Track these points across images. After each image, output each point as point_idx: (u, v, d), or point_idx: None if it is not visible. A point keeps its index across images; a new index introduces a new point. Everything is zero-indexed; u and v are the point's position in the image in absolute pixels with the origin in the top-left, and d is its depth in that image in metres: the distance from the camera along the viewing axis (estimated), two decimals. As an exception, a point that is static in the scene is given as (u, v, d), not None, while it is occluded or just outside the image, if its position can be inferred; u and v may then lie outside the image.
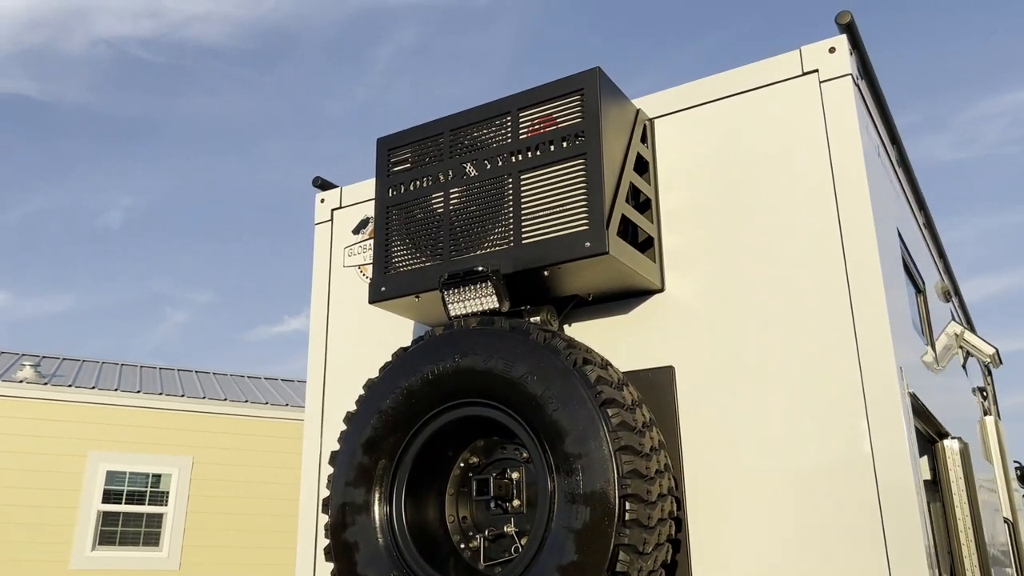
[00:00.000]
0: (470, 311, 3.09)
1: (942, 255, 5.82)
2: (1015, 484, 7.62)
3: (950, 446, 3.98)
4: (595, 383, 2.69)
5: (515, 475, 3.04)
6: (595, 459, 2.58)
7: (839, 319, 2.91)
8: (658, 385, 3.15)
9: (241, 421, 11.58)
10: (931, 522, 4.24)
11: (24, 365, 10.84)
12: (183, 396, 11.53)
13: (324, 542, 3.12)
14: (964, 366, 6.10)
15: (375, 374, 3.58)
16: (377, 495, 2.99)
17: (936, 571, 2.61)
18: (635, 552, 2.51)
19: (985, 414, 7.25)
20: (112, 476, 10.60)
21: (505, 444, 3.11)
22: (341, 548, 2.98)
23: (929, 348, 4.29)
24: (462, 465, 3.16)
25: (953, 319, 5.85)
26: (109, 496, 10.53)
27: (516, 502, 3.01)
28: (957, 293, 6.76)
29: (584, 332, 3.37)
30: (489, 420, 2.94)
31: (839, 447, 2.79)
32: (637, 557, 2.52)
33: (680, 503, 2.97)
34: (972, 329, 7.53)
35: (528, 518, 2.94)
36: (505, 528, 3.00)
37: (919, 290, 4.40)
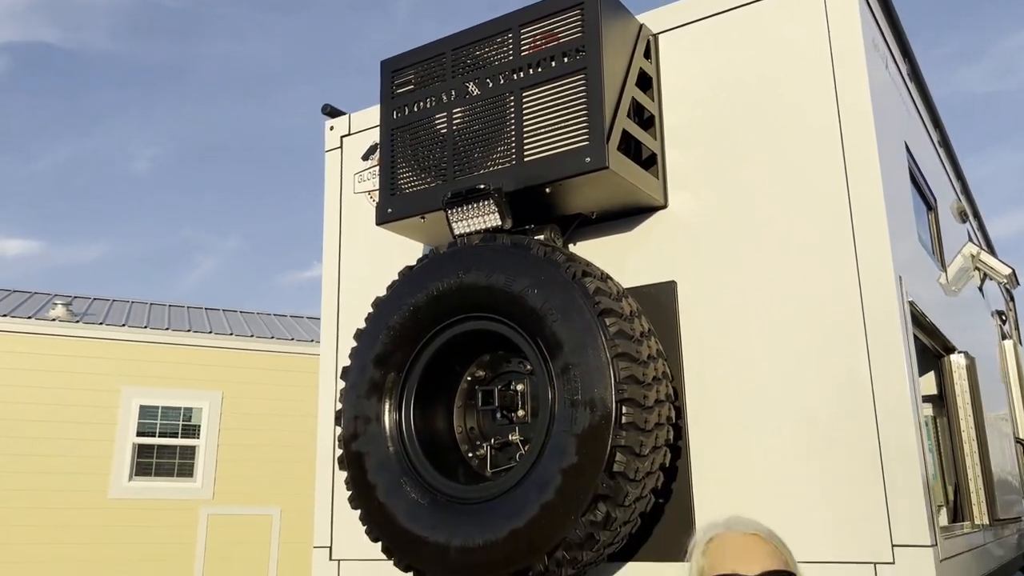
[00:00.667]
0: (474, 229, 3.14)
1: (959, 176, 5.75)
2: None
3: (956, 360, 4.01)
4: (593, 294, 2.75)
5: (519, 387, 3.13)
6: (593, 366, 2.66)
7: (839, 229, 2.93)
8: (660, 299, 3.20)
9: (268, 357, 11.83)
10: (936, 434, 4.29)
11: (56, 304, 11.11)
12: (211, 333, 11.79)
13: (339, 452, 3.24)
14: (981, 288, 6.07)
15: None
16: (387, 406, 3.10)
17: (924, 460, 2.67)
18: (632, 454, 2.60)
19: (1004, 338, 7.22)
20: (145, 410, 10.93)
21: (510, 358, 3.19)
22: (353, 457, 3.11)
23: (938, 265, 4.29)
24: (469, 379, 3.25)
25: (970, 240, 5.80)
26: (143, 429, 10.88)
27: (520, 412, 3.10)
28: (976, 216, 6.69)
29: (588, 250, 3.42)
30: (494, 334, 3.01)
31: (837, 353, 2.84)
32: (634, 459, 2.61)
33: (680, 412, 3.05)
34: (992, 252, 7.47)
35: (532, 427, 3.04)
36: (510, 437, 3.10)
37: (930, 207, 4.38)
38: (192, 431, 11.30)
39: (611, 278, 2.99)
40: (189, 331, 11.72)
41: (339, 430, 3.21)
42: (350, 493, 3.12)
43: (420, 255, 3.89)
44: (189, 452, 11.28)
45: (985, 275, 5.97)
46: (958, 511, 4.10)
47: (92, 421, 10.47)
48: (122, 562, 10.11)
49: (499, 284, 2.91)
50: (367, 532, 3.05)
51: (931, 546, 2.59)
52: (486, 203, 3.08)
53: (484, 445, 3.16)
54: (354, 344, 3.24)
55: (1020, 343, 8.53)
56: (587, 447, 2.61)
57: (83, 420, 10.41)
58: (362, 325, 3.25)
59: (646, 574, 3.02)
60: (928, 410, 4.46)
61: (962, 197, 5.79)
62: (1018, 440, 6.24)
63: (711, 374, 3.07)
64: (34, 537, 9.77)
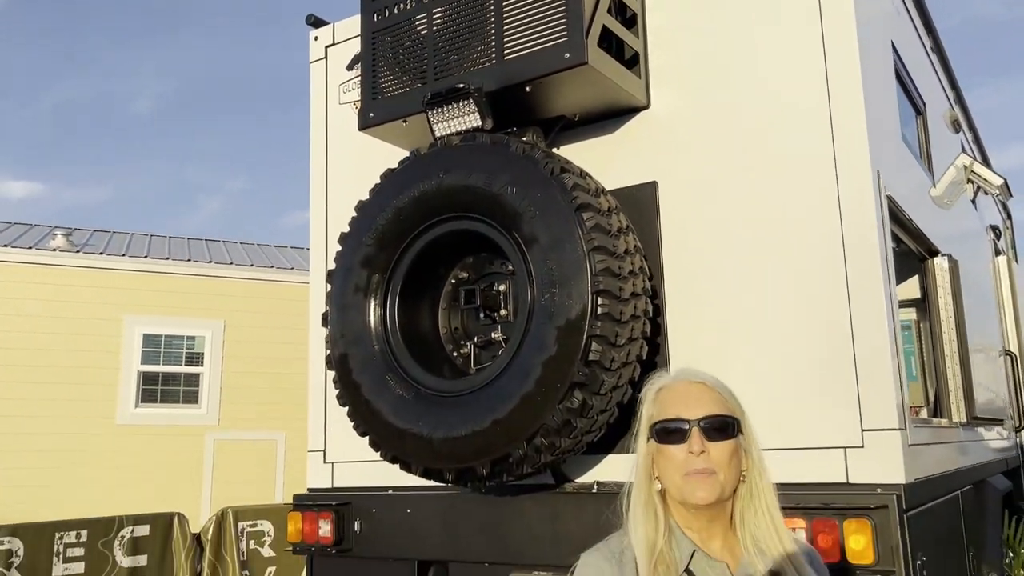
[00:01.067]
0: (454, 131, 3.15)
1: (954, 85, 5.70)
2: (1025, 321, 7.70)
3: (939, 263, 4.05)
4: (571, 189, 2.77)
5: (502, 287, 3.18)
6: (570, 260, 2.70)
7: (819, 125, 2.93)
8: (642, 200, 3.22)
9: (269, 286, 11.92)
10: (918, 337, 4.35)
11: (56, 235, 11.16)
12: (211, 262, 11.86)
13: (326, 353, 3.31)
14: (975, 201, 6.06)
15: (371, 202, 3.68)
16: (372, 307, 3.15)
17: (896, 348, 2.73)
18: (607, 344, 2.66)
19: (997, 254, 7.24)
20: (148, 339, 11.07)
21: (493, 259, 3.23)
22: (340, 356, 3.17)
23: (925, 169, 4.29)
24: (453, 281, 3.30)
25: (964, 151, 5.77)
26: (147, 358, 11.03)
27: (503, 311, 3.16)
28: (972, 128, 6.64)
29: (572, 153, 3.42)
30: (476, 235, 3.04)
31: (813, 245, 2.87)
32: (610, 348, 2.67)
33: (659, 308, 3.10)
34: (987, 164, 7.43)
35: (514, 326, 3.09)
36: (493, 335, 3.16)
37: (918, 111, 4.36)
38: (196, 359, 11.45)
39: (590, 175, 3.00)
40: (189, 260, 11.78)
41: (326, 331, 3.27)
42: (338, 391, 3.19)
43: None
44: (194, 379, 11.46)
45: (978, 187, 5.95)
46: (938, 412, 4.18)
47: (96, 350, 10.61)
48: (132, 486, 10.37)
49: (479, 184, 2.93)
50: (355, 427, 3.14)
51: (899, 430, 2.66)
52: (466, 103, 3.08)
53: (468, 344, 3.23)
54: (339, 248, 3.28)
55: (1016, 260, 8.56)
56: (564, 337, 2.66)
57: (87, 348, 10.55)
58: (346, 230, 3.28)
59: (626, 465, 3.10)
60: (912, 313, 4.51)
61: (956, 106, 5.74)
62: (1007, 352, 6.32)
63: (691, 271, 3.11)
64: (44, 462, 10.00)
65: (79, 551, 7.84)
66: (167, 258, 11.65)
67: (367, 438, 3.09)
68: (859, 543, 2.51)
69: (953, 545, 3.29)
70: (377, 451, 3.07)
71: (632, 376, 2.85)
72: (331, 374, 3.26)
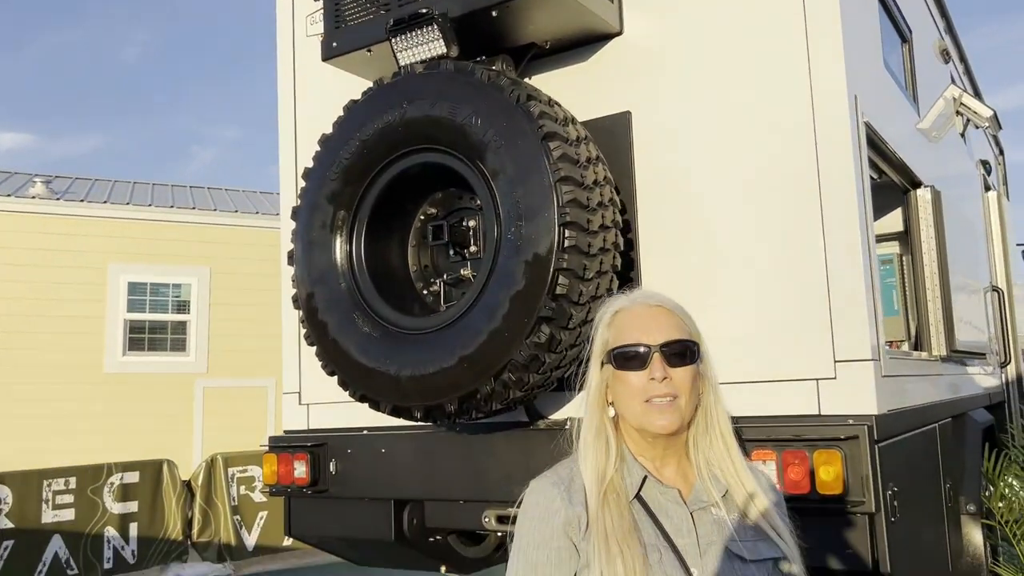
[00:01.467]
0: (419, 59, 3.03)
1: (944, 14, 5.55)
2: (1014, 256, 7.65)
3: (922, 195, 3.97)
4: (538, 118, 2.67)
5: (471, 223, 3.10)
6: (536, 191, 2.61)
7: (795, 50, 2.83)
8: (615, 131, 3.12)
9: (254, 232, 11.78)
10: (901, 271, 4.30)
11: (36, 182, 10.97)
12: (195, 208, 11.70)
13: (292, 292, 3.24)
14: (964, 135, 5.95)
15: (338, 137, 3.57)
16: (338, 244, 3.07)
17: (870, 278, 2.67)
18: (575, 277, 2.59)
19: (987, 189, 7.15)
20: (134, 287, 10.97)
21: (462, 194, 3.14)
22: (306, 296, 3.11)
23: (910, 99, 4.19)
24: (422, 217, 3.22)
25: (953, 83, 5.65)
26: (134, 306, 10.95)
27: (472, 248, 3.08)
28: (963, 60, 6.50)
29: (543, 83, 3.30)
30: (443, 168, 2.95)
31: (789, 174, 2.79)
32: (577, 282, 2.60)
33: (632, 242, 3.03)
34: (979, 97, 7.31)
35: (482, 261, 3.02)
36: (462, 272, 3.10)
37: (904, 39, 4.23)
38: (182, 307, 11.37)
39: (558, 104, 2.90)
40: (173, 207, 11.62)
41: (292, 270, 3.20)
42: (305, 331, 3.13)
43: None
44: (181, 327, 11.40)
45: (968, 120, 5.84)
46: (920, 346, 4.15)
47: (81, 298, 10.53)
48: (123, 434, 10.39)
49: (443, 114, 2.83)
50: (323, 367, 3.08)
51: (871, 360, 2.62)
52: (430, 29, 2.96)
53: (437, 281, 3.16)
54: (303, 184, 3.18)
55: (1007, 197, 8.48)
56: (531, 271, 2.59)
57: (72, 298, 10.46)
58: (311, 165, 3.18)
59: (599, 402, 3.07)
60: (895, 247, 4.44)
61: (946, 36, 5.60)
62: (994, 288, 6.27)
63: (665, 203, 3.03)
64: (33, 411, 10.00)
65: (68, 498, 7.87)
66: (150, 204, 11.49)
67: (335, 377, 3.04)
68: (829, 474, 2.48)
69: (929, 476, 3.28)
70: (345, 390, 3.02)
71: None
72: (299, 314, 3.19)
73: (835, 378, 2.65)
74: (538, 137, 2.64)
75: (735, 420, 2.74)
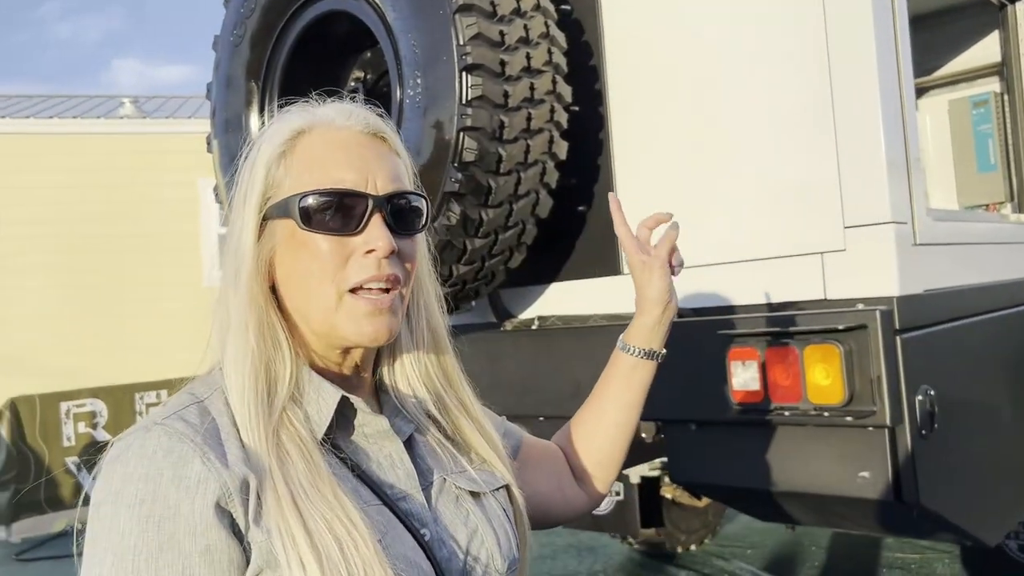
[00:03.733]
0: None
1: None
2: None
3: (1022, 9, 3.06)
4: (436, -66, 2.06)
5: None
6: (432, 26, 2.03)
7: None
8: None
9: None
10: (1001, 114, 3.42)
11: (124, 103, 11.09)
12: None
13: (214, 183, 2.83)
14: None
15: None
16: (253, 122, 2.61)
17: (901, 116, 1.96)
18: (487, 136, 2.01)
19: None
20: (227, 201, 11.04)
21: (396, 51, 2.58)
22: (225, 185, 2.69)
23: None
24: (352, 84, 2.69)
25: None
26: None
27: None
28: None
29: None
30: (352, 19, 2.39)
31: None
32: (492, 143, 2.03)
33: (601, 96, 2.40)
34: None
35: (416, 130, 2.48)
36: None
37: None
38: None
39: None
40: (259, 119, 11.51)
41: (211, 158, 2.78)
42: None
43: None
44: (277, 238, 11.43)
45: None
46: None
47: (175, 215, 10.68)
48: (224, 344, 10.60)
49: (339, -55, 2.26)
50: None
51: (894, 223, 1.93)
52: None
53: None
54: (214, 55, 2.72)
55: None
56: (432, 135, 2.04)
57: (167, 215, 10.62)
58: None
59: (573, 294, 2.53)
60: (992, 84, 3.52)
61: None
62: None
63: (641, 47, 2.37)
64: (143, 326, 10.35)
65: (162, 409, 8.08)
66: (237, 118, 11.41)
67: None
68: (823, 375, 1.86)
69: (1000, 380, 2.51)
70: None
71: (542, 180, 2.21)
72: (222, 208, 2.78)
73: (844, 249, 1.98)
74: (436, -40, 2.04)
75: (712, 311, 2.15)
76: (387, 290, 0.91)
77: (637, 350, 1.23)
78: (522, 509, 1.05)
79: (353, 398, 0.93)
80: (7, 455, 7.06)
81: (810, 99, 2.03)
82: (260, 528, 0.81)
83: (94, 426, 7.70)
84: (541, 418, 2.44)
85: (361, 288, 0.90)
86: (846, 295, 1.97)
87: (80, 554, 0.84)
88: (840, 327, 1.85)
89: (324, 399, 0.92)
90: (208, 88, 2.75)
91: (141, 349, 9.97)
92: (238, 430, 0.87)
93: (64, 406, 7.55)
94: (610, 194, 1.28)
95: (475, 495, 0.99)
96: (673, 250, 1.23)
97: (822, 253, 2.01)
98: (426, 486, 0.95)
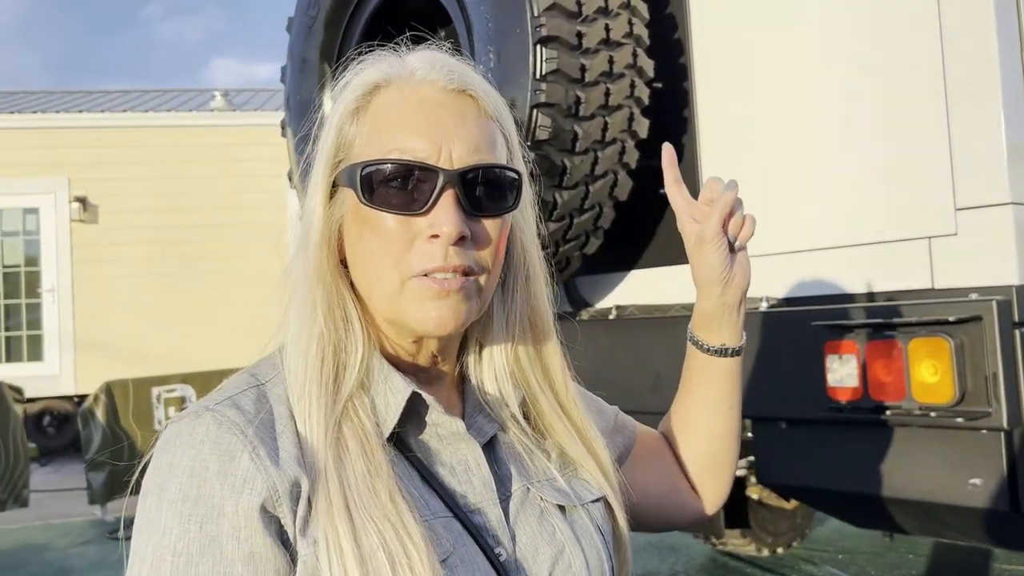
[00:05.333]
0: None
1: None
2: None
3: None
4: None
5: (477, 63, 2.45)
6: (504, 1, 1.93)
7: None
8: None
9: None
10: None
11: (215, 95, 11.39)
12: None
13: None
14: None
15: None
16: (328, 96, 2.56)
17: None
18: (562, 113, 1.90)
19: None
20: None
21: (470, 30, 2.50)
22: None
23: None
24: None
25: None
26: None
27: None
28: None
29: None
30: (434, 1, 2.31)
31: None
32: (568, 120, 1.91)
33: (686, 71, 2.26)
34: None
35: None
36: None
37: None
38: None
39: None
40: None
41: (287, 143, 2.75)
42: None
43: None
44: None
45: None
46: None
47: (264, 207, 10.90)
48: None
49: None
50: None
51: (1013, 204, 1.74)
52: None
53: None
54: (288, 37, 2.68)
55: None
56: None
57: (256, 206, 10.85)
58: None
59: (653, 282, 2.40)
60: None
61: None
62: None
63: (730, 20, 2.22)
64: (230, 314, 10.61)
65: (248, 395, 8.25)
66: (323, 110, 11.59)
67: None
68: (931, 372, 1.69)
69: None
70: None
71: (621, 159, 2.08)
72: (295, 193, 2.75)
73: (955, 234, 1.80)
74: (511, -71, 1.93)
75: (806, 301, 1.99)
76: (461, 279, 0.78)
77: (705, 345, 1.04)
78: (623, 527, 0.91)
79: (425, 395, 0.81)
80: (102, 437, 7.31)
81: (917, 69, 1.85)
82: (307, 539, 0.71)
83: (183, 411, 7.93)
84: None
85: (431, 274, 0.77)
86: (957, 284, 1.79)
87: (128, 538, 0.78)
88: (951, 319, 1.67)
89: (393, 393, 0.81)
90: (282, 72, 2.72)
91: (228, 336, 10.23)
92: (295, 421, 0.77)
93: (155, 391, 7.77)
94: (665, 144, 1.02)
95: (563, 509, 0.86)
96: (730, 216, 0.98)
97: (930, 238, 1.83)
98: (505, 497, 0.83)
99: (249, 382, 0.81)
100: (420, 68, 0.83)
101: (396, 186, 0.77)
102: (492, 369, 0.88)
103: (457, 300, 0.78)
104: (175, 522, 0.71)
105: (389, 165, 0.77)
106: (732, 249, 0.99)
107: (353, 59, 0.89)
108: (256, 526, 0.71)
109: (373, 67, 0.84)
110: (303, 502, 0.72)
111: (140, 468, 0.79)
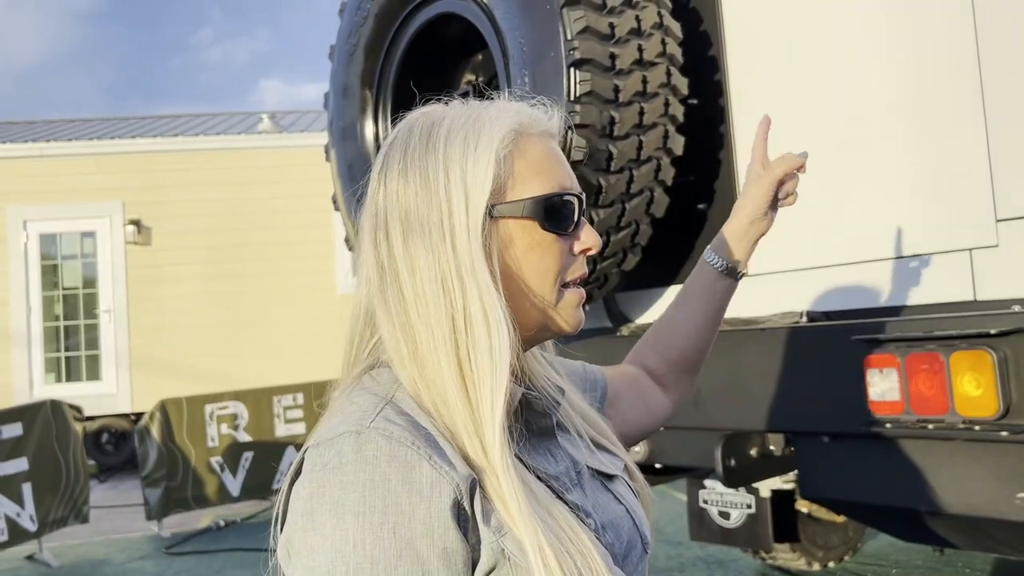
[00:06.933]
0: None
1: None
2: None
3: None
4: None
5: (514, 85, 2.50)
6: (539, 24, 1.97)
7: None
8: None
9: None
10: None
11: (263, 118, 11.64)
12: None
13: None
14: None
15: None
16: (368, 130, 2.63)
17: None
18: (596, 134, 1.93)
19: None
20: (358, 210, 11.34)
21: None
22: (342, 192, 2.72)
23: None
24: (464, 88, 2.67)
25: None
26: (360, 228, 11.34)
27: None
28: None
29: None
30: (463, 22, 2.37)
31: (916, -47, 1.89)
32: (603, 140, 1.94)
33: (721, 87, 2.27)
34: None
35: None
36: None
37: None
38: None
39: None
40: (388, 130, 11.82)
41: (331, 167, 2.82)
42: (347, 235, 2.76)
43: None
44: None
45: None
46: None
47: (311, 225, 11.09)
48: (356, 349, 10.90)
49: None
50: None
51: (1055, 214, 1.72)
52: None
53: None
54: (330, 65, 2.75)
55: None
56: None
57: (304, 225, 11.05)
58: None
59: (691, 297, 2.40)
60: None
61: None
62: None
63: (764, 35, 2.23)
64: (281, 333, 10.82)
65: (298, 412, 8.38)
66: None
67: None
68: (972, 386, 1.67)
69: None
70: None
71: (657, 177, 2.10)
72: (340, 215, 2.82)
73: (996, 245, 1.79)
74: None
75: (846, 314, 1.99)
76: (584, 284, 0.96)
77: (720, 261, 1.24)
78: (643, 484, 1.04)
79: (531, 394, 0.92)
80: (158, 454, 7.49)
81: (954, 79, 1.84)
82: (490, 527, 0.79)
83: (235, 428, 8.07)
84: (661, 428, 2.33)
85: (574, 282, 0.94)
86: (999, 296, 1.77)
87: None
88: (993, 331, 1.66)
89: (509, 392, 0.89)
90: (325, 98, 2.79)
91: (279, 354, 10.42)
92: (436, 426, 0.83)
93: (208, 408, 7.95)
94: (765, 114, 1.32)
95: (609, 478, 0.98)
96: (788, 177, 1.24)
97: (971, 249, 1.82)
98: (579, 474, 0.95)
99: (378, 400, 0.85)
100: (542, 116, 0.97)
101: (565, 213, 0.92)
102: (536, 362, 0.99)
103: (583, 307, 0.95)
104: (366, 532, 0.76)
105: (564, 196, 0.92)
106: (774, 205, 1.25)
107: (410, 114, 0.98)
108: (448, 523, 0.77)
109: (503, 114, 0.93)
110: (478, 496, 0.80)
111: (283, 497, 0.85)
